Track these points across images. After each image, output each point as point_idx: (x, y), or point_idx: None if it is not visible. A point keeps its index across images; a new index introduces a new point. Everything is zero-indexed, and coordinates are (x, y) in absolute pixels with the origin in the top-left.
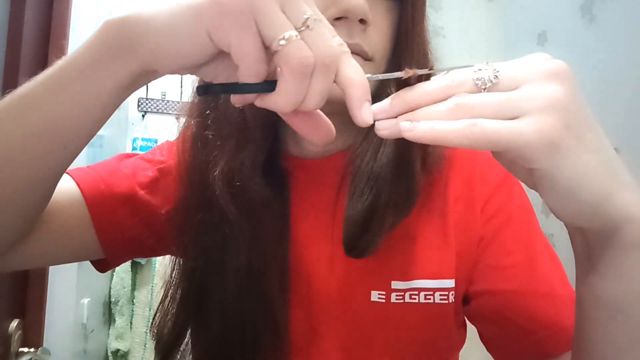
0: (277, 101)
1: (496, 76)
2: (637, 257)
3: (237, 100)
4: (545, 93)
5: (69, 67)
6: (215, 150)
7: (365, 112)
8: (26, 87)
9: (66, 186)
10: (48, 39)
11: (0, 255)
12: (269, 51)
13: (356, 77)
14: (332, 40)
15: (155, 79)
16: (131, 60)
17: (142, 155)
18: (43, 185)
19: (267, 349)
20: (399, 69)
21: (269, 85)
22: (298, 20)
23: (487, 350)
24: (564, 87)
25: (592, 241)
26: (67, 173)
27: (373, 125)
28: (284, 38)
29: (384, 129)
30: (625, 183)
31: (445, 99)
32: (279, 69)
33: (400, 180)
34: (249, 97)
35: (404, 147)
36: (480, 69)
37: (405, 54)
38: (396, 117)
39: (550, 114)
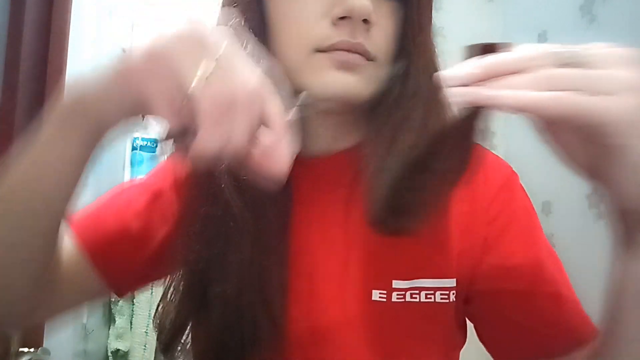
0: (199, 146)
1: (582, 55)
2: None
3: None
4: (627, 76)
5: (38, 155)
6: None
7: (278, 168)
8: (8, 177)
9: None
10: (48, 39)
11: (26, 317)
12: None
13: (275, 118)
14: (246, 77)
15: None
16: (85, 129)
17: (135, 184)
18: (45, 246)
19: (265, 344)
20: (404, 72)
21: (190, 132)
22: (210, 61)
23: (487, 349)
24: (636, 73)
25: (636, 223)
26: None
27: (381, 123)
28: (195, 82)
29: (464, 95)
30: None
31: (528, 72)
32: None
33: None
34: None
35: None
36: (559, 48)
37: (412, 57)
38: (475, 84)
39: (632, 96)
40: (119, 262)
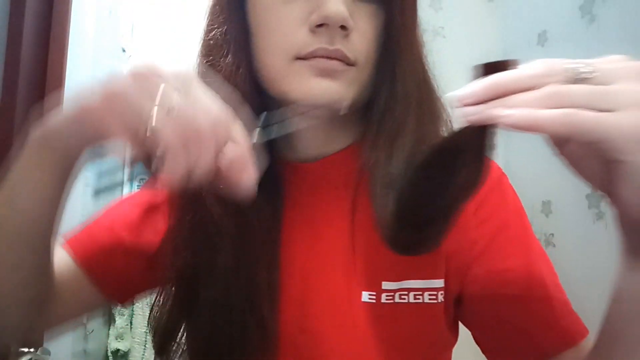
0: (168, 172)
1: (591, 70)
2: None
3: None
4: (636, 91)
5: (16, 183)
6: None
7: (245, 182)
8: None
9: (59, 255)
10: (48, 39)
11: (26, 331)
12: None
13: (239, 138)
14: (207, 105)
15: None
16: (54, 161)
17: (128, 197)
18: (38, 265)
19: (254, 348)
20: (391, 75)
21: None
22: (169, 91)
23: (483, 352)
24: None
25: None
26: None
27: (374, 130)
28: (155, 113)
29: (474, 114)
30: None
31: (536, 88)
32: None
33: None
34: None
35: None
36: (573, 63)
37: (397, 58)
38: (484, 102)
39: (638, 111)
40: (114, 273)
